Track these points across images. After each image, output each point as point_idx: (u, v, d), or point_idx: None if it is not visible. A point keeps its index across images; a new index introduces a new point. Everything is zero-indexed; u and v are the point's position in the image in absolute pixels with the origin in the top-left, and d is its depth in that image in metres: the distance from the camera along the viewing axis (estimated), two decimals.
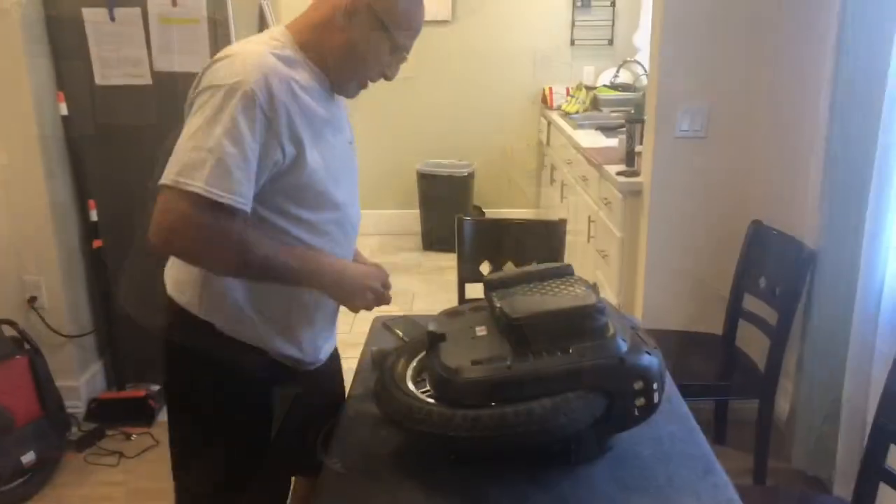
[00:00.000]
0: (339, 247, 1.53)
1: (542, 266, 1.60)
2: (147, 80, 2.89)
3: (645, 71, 4.62)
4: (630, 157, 3.15)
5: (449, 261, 5.06)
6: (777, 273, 2.49)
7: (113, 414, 2.97)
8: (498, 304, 1.44)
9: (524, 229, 2.74)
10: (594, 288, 1.51)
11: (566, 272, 1.58)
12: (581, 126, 4.37)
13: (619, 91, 4.91)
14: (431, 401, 1.37)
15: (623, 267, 3.04)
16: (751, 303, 2.66)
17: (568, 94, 5.16)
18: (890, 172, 2.08)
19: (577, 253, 3.78)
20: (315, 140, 1.42)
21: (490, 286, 1.55)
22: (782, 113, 2.69)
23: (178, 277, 1.51)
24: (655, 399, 1.34)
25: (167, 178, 1.28)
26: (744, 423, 2.66)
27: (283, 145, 1.35)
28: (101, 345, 3.17)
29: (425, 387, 1.45)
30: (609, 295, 3.14)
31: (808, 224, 2.41)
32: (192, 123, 1.31)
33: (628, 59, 4.85)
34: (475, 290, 2.64)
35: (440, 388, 1.34)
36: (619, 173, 3.05)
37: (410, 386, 1.44)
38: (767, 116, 2.71)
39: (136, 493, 2.62)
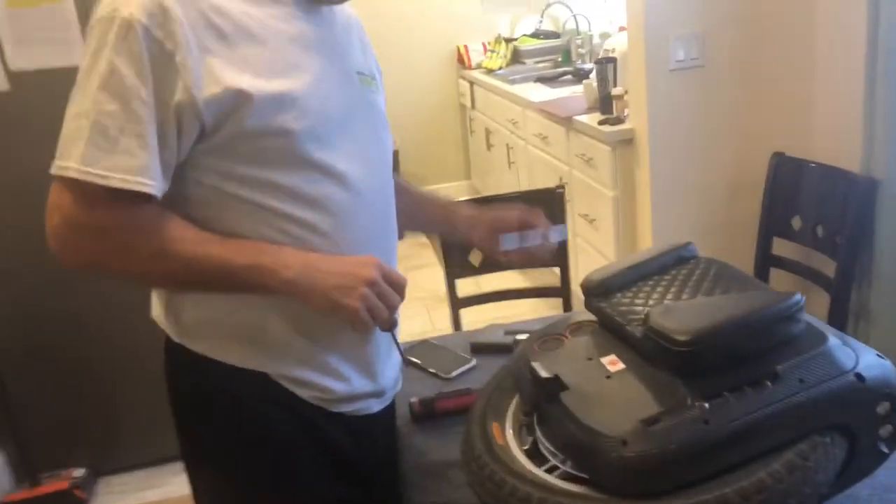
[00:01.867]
0: (349, 229, 1.05)
1: (656, 251, 1.14)
2: (3, 85, 2.21)
3: (572, 13, 4.23)
4: (606, 103, 2.73)
5: None
6: (821, 211, 2.14)
7: None
8: (633, 323, 0.98)
9: (515, 203, 2.27)
10: (743, 274, 1.07)
11: (689, 254, 1.13)
12: (514, 81, 3.92)
13: (542, 39, 4.50)
14: (572, 487, 0.89)
15: (620, 230, 2.63)
16: (780, 247, 2.32)
17: (486, 49, 4.71)
18: None
19: None
20: (269, 66, 0.97)
21: (593, 293, 1.08)
22: (792, 29, 2.32)
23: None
24: None
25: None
26: None
27: (197, 82, 0.91)
28: None
29: (541, 460, 0.96)
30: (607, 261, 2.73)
31: (853, 153, 2.07)
32: (77, 81, 0.94)
33: (551, 1, 4.44)
34: (466, 287, 2.19)
35: (598, 470, 0.86)
36: (601, 122, 2.62)
37: (525, 463, 0.95)
38: (774, 35, 2.33)
39: None
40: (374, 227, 1.09)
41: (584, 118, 2.78)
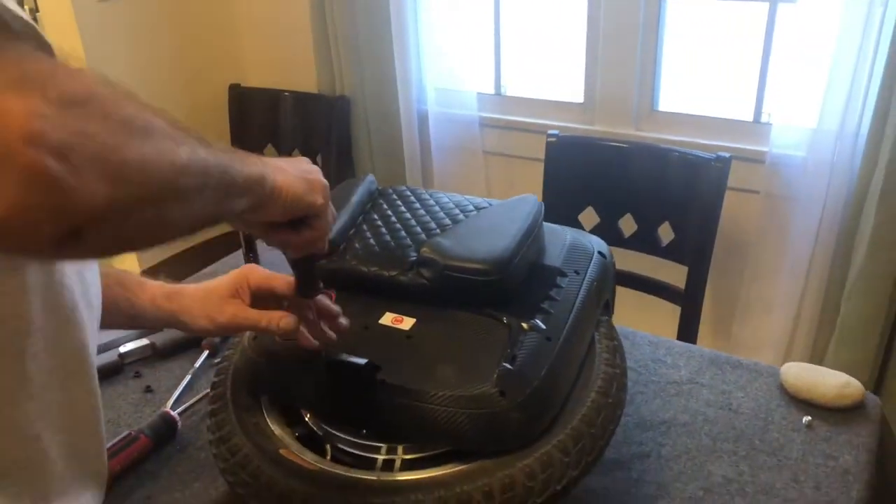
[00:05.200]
0: None
1: (345, 192, 1.00)
2: None
3: None
4: None
5: None
6: (296, 135, 2.18)
7: None
8: (403, 270, 0.85)
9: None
10: (433, 193, 1.03)
11: (374, 186, 1.03)
12: None
13: None
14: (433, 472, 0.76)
15: None
16: None
17: None
18: (404, 8, 1.98)
19: None
20: None
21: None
22: None
23: None
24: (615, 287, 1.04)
25: None
26: None
27: None
28: None
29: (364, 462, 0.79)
30: None
31: (305, 75, 2.16)
32: None
33: None
34: None
35: (476, 435, 0.74)
36: None
37: (365, 475, 0.76)
38: None
39: None
40: None
41: None
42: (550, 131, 1.71)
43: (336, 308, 0.80)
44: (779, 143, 1.69)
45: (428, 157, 2.16)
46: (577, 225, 1.72)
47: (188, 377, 1.10)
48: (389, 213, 0.97)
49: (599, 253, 0.95)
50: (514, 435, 0.74)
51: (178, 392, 1.08)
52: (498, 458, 0.74)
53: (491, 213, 0.94)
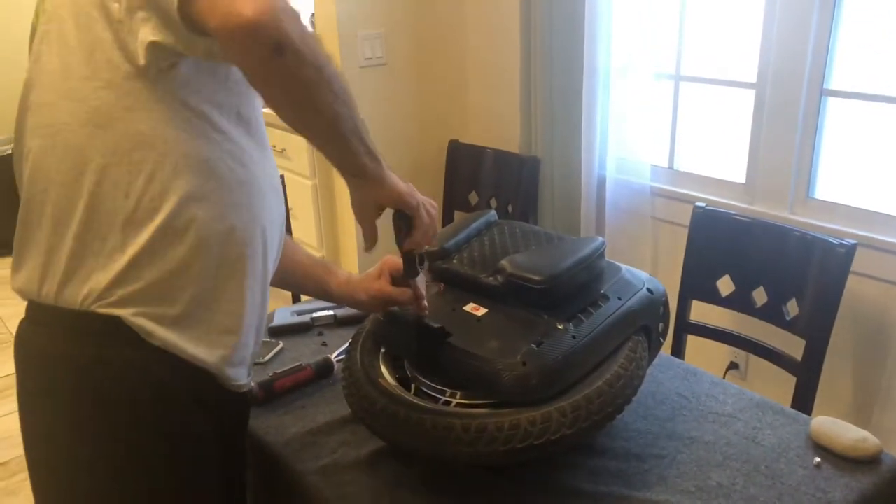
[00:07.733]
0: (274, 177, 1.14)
1: (468, 220, 1.37)
2: None
3: None
4: None
5: None
6: (494, 186, 2.60)
7: None
8: (485, 275, 1.19)
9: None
10: (537, 228, 1.36)
11: (493, 219, 1.39)
12: None
13: None
14: (473, 411, 1.08)
15: (321, 216, 2.80)
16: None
17: None
18: (595, 87, 2.31)
19: None
20: None
21: (436, 258, 1.27)
22: (464, 33, 2.74)
23: None
24: (667, 322, 1.29)
25: None
26: None
27: None
28: None
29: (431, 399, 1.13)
30: (312, 251, 2.89)
31: (513, 137, 2.57)
32: None
33: None
34: None
35: (502, 389, 1.06)
36: None
37: (427, 404, 1.11)
38: (447, 37, 2.72)
39: None
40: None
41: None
42: (698, 203, 1.93)
43: (423, 293, 1.16)
44: None
45: (602, 217, 2.44)
46: (712, 291, 1.91)
47: (350, 340, 1.52)
48: (496, 237, 1.31)
49: (648, 289, 1.21)
50: (528, 394, 1.04)
51: (342, 348, 1.50)
52: (515, 409, 1.04)
53: (564, 244, 1.25)
